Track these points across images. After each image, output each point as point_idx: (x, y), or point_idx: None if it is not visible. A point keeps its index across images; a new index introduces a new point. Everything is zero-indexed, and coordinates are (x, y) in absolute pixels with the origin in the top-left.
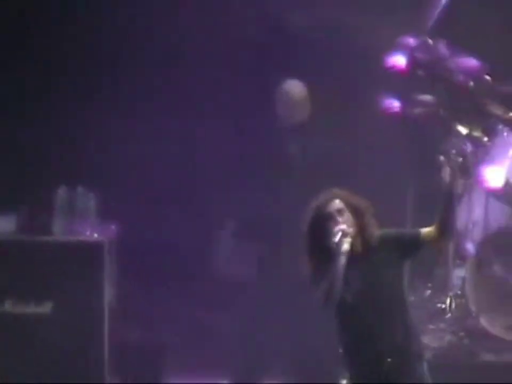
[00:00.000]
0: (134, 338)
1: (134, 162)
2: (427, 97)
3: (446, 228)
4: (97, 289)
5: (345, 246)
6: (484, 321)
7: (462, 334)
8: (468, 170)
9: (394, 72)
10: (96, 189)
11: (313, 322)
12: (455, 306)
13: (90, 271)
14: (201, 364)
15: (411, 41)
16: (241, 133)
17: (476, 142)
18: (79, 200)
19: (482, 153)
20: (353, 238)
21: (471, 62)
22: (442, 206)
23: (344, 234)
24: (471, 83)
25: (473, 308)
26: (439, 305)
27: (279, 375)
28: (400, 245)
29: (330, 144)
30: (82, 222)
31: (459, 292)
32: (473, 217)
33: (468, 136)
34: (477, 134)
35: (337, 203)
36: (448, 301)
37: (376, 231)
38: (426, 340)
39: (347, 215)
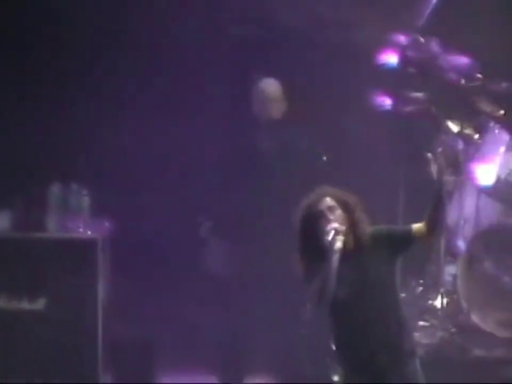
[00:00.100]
0: (126, 335)
1: (127, 160)
2: (418, 95)
3: (435, 225)
4: (90, 286)
5: (338, 244)
6: (475, 318)
7: (453, 330)
8: (459, 168)
9: (386, 70)
10: (89, 186)
11: (301, 320)
12: (447, 303)
13: (83, 268)
14: (192, 362)
15: (403, 39)
16: (220, 130)
17: (467, 139)
18: (72, 197)
19: (473, 151)
20: (345, 235)
21: (462, 60)
22: (432, 202)
23: (337, 233)
24: (462, 81)
25: (464, 304)
26: (430, 301)
27: (265, 374)
28: (392, 242)
29: (316, 141)
30: (76, 219)
31: (450, 289)
32: (465, 214)
33: (459, 133)
34: (468, 131)
35: (328, 201)
36: (439, 297)
37: (367, 227)
38: (418, 336)
39: (338, 213)
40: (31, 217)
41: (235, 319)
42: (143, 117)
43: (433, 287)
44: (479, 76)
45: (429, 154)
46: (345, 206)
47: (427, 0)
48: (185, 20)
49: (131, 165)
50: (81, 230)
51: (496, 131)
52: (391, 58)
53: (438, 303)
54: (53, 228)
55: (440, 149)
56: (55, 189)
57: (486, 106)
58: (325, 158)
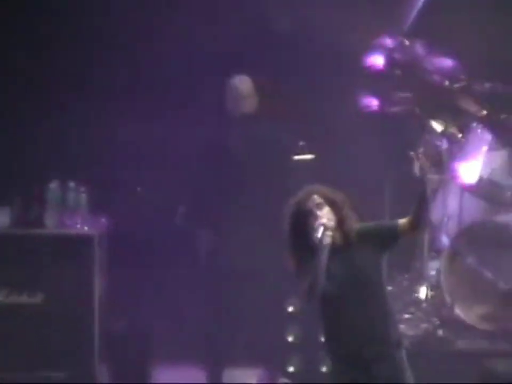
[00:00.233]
0: (121, 328)
1: (124, 157)
2: (404, 96)
3: (420, 221)
4: (87, 280)
5: (327, 240)
6: (458, 311)
7: (437, 322)
8: (442, 166)
9: (372, 72)
10: (87, 184)
11: (287, 312)
12: (431, 297)
13: (81, 263)
14: (187, 354)
15: (388, 41)
16: (194, 125)
17: (451, 139)
18: (70, 194)
19: (456, 150)
20: (333, 231)
21: (447, 62)
22: (417, 200)
23: (326, 228)
24: (447, 82)
25: (448, 298)
26: (415, 295)
27: (249, 363)
28: (379, 237)
29: (298, 138)
30: (74, 216)
31: (434, 283)
32: (448, 211)
33: (443, 133)
34: (451, 131)
35: (316, 198)
36: (424, 291)
37: (354, 224)
38: (403, 328)
39: (326, 210)
40: (30, 214)
41: (228, 312)
42: (139, 114)
43: (418, 281)
44: (463, 77)
45: (413, 154)
46: (333, 204)
47: (412, 4)
48: (172, 15)
49: (128, 162)
50: (78, 226)
51: (479, 131)
52: (377, 60)
53: (422, 296)
54: (52, 225)
55: (422, 148)
56: (53, 187)
57: (469, 107)
58: (301, 155)
